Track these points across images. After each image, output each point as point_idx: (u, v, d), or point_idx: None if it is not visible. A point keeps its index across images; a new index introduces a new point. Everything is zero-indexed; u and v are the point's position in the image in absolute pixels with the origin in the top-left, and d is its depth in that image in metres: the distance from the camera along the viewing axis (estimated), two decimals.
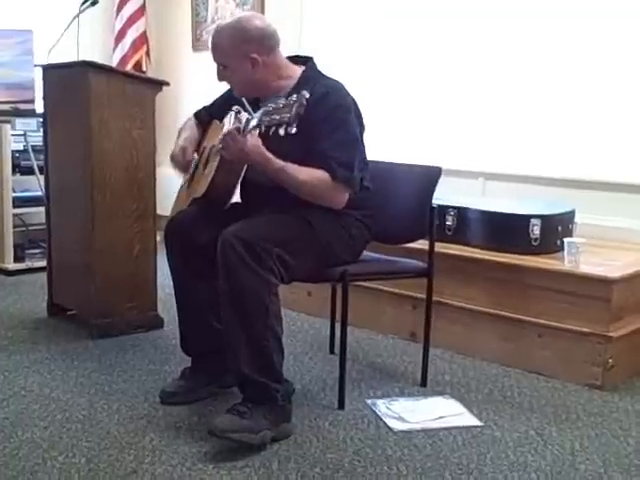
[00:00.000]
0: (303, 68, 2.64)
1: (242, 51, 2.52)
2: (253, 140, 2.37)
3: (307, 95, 2.25)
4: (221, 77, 2.62)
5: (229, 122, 2.49)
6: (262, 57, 2.54)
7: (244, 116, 2.40)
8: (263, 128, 2.34)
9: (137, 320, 3.48)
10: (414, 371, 3.06)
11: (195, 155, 2.79)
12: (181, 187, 2.91)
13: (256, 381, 2.37)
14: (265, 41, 2.55)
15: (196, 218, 2.64)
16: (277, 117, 2.27)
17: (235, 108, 2.47)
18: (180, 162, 2.77)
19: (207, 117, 2.85)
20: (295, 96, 2.25)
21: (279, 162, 2.41)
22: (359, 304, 3.23)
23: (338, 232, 2.59)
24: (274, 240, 2.37)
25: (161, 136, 3.60)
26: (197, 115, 2.90)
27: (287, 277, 2.44)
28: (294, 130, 2.28)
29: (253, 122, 2.33)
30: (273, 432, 2.39)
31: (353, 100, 2.59)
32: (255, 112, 2.39)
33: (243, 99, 2.51)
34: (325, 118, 2.45)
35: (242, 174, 2.60)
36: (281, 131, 2.28)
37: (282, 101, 2.29)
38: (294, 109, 2.23)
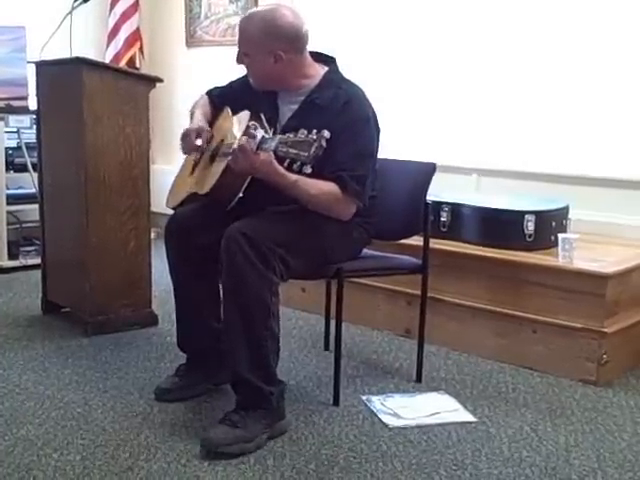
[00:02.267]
0: (326, 69, 2.61)
1: (269, 46, 2.48)
2: (265, 156, 2.30)
3: (327, 136, 2.18)
4: (240, 61, 2.57)
5: (242, 129, 2.40)
6: (288, 55, 2.50)
7: (260, 132, 2.32)
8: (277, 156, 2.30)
9: (132, 317, 3.48)
10: (409, 367, 3.06)
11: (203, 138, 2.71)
12: (181, 170, 2.84)
13: (251, 384, 2.37)
14: (295, 42, 2.51)
15: (197, 217, 2.63)
16: (294, 152, 2.21)
17: (252, 124, 2.37)
18: (190, 142, 2.62)
19: (219, 102, 2.77)
20: (315, 134, 2.19)
21: (290, 177, 2.36)
22: (354, 300, 3.23)
23: (341, 236, 2.58)
24: (279, 240, 2.37)
25: (155, 133, 3.59)
26: (209, 94, 2.84)
27: (286, 276, 2.44)
28: (309, 170, 2.24)
29: (270, 144, 2.27)
30: (268, 433, 2.40)
31: (372, 108, 2.57)
32: (270, 124, 2.33)
33: (261, 115, 2.44)
34: (344, 128, 2.41)
35: (249, 178, 2.55)
36: (295, 167, 2.23)
37: (302, 134, 2.21)
38: (312, 150, 2.18)
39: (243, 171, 2.39)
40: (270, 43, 2.48)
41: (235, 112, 2.62)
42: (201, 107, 2.79)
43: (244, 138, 2.33)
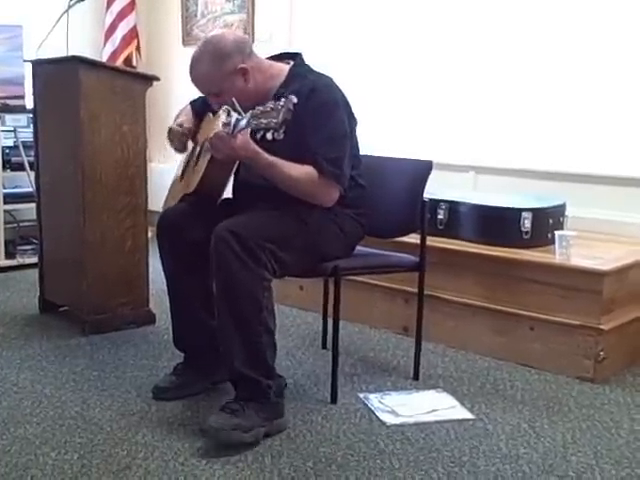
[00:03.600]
0: (291, 64, 2.61)
1: (230, 68, 2.48)
2: (242, 137, 2.34)
3: (295, 100, 2.24)
4: (217, 104, 2.57)
5: (219, 120, 2.46)
6: (249, 63, 2.51)
7: (234, 116, 2.37)
8: (250, 130, 2.34)
9: (129, 316, 3.48)
10: (406, 365, 3.06)
11: (190, 143, 2.78)
12: (173, 181, 2.90)
13: (249, 378, 2.37)
14: (244, 48, 2.52)
15: (188, 214, 2.64)
16: (264, 121, 2.26)
17: (225, 108, 2.43)
18: (177, 134, 2.72)
19: (201, 108, 2.82)
20: (283, 100, 2.24)
21: (269, 157, 2.40)
22: (351, 298, 3.23)
23: (331, 229, 2.59)
24: (268, 236, 2.37)
25: (152, 131, 3.59)
26: (193, 103, 2.88)
27: (279, 272, 2.44)
28: (282, 136, 2.28)
29: (242, 123, 2.31)
30: (266, 428, 2.40)
31: (342, 94, 2.57)
32: (245, 112, 2.38)
33: (233, 99, 2.49)
34: (312, 115, 2.43)
35: (233, 170, 2.59)
36: (269, 135, 2.29)
37: (270, 104, 2.27)
38: (281, 115, 2.23)
39: (224, 157, 2.41)
40: (228, 65, 2.48)
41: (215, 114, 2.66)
42: (182, 115, 2.84)
43: (220, 126, 2.38)
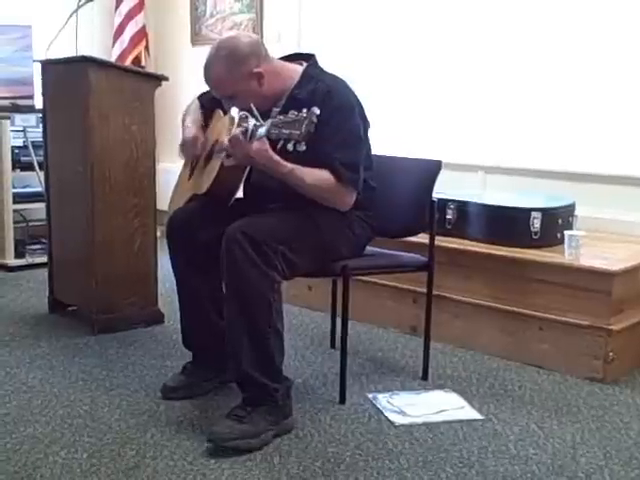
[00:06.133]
0: (304, 65, 2.60)
1: (245, 72, 2.47)
2: (259, 144, 2.32)
3: (317, 112, 2.20)
4: (230, 107, 2.55)
5: (234, 123, 2.42)
6: (264, 67, 2.49)
7: (251, 122, 2.33)
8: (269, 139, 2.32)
9: (138, 315, 3.48)
10: (415, 365, 3.06)
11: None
12: (179, 179, 2.89)
13: (257, 382, 2.37)
14: (259, 51, 2.51)
15: (198, 215, 2.63)
16: (286, 132, 2.22)
17: (242, 113, 2.39)
18: (189, 152, 2.72)
19: (210, 104, 2.78)
20: (305, 112, 2.20)
21: (287, 165, 2.39)
22: (360, 298, 3.23)
23: (342, 231, 2.58)
24: (279, 238, 2.37)
25: (160, 131, 3.59)
26: (201, 98, 2.85)
27: (289, 274, 2.44)
28: (303, 147, 2.25)
29: (261, 131, 2.28)
30: (274, 431, 2.40)
31: (356, 97, 2.56)
32: (260, 114, 2.35)
33: (252, 105, 2.46)
34: (328, 119, 2.38)
35: (246, 173, 2.57)
36: (289, 146, 2.24)
37: (292, 115, 2.23)
38: (304, 127, 2.19)
39: (240, 162, 2.41)
40: (243, 70, 2.47)
41: (226, 113, 2.63)
42: (192, 113, 2.81)
43: (237, 130, 2.34)
